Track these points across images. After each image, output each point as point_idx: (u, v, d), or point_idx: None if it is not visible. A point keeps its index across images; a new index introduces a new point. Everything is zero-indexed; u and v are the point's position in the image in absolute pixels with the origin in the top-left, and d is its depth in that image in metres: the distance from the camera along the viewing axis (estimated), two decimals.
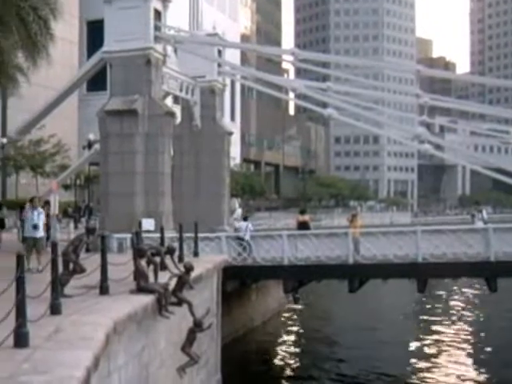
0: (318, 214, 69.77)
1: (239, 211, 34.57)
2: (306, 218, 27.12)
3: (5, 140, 31.23)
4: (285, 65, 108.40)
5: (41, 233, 16.73)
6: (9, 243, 24.08)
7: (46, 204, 23.19)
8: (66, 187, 45.97)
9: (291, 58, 28.77)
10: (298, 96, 29.79)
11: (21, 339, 7.37)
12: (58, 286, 9.56)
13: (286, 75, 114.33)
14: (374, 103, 34.88)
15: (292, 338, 28.61)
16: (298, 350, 26.14)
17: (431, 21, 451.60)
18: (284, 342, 27.81)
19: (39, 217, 16.44)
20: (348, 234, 22.17)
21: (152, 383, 11.40)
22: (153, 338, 11.60)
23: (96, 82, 41.01)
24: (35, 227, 16.15)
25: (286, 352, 25.75)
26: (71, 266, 11.69)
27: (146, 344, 11.13)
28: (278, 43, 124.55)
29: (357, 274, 22.36)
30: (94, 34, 48.13)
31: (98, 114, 26.11)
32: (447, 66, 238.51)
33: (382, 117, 35.65)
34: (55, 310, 9.26)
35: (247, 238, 22.96)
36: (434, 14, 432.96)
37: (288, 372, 22.71)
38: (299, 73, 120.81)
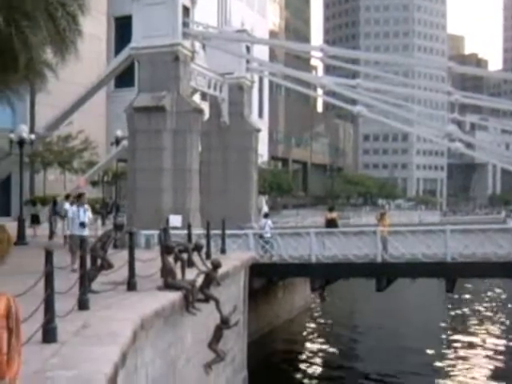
0: (346, 211, 69.40)
1: (266, 208, 34.47)
2: (334, 215, 27.02)
3: (33, 136, 31.41)
4: (313, 61, 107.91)
5: (87, 231, 16.03)
6: (42, 238, 24.45)
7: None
8: (94, 184, 46.19)
9: (320, 55, 28.59)
10: (327, 93, 29.66)
11: (49, 334, 7.43)
12: (86, 281, 9.59)
13: (314, 72, 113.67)
14: (403, 100, 34.55)
15: (318, 335, 28.45)
16: (323, 348, 25.99)
17: (463, 17, 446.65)
18: (310, 340, 27.69)
19: (85, 214, 16.00)
20: (376, 233, 21.95)
21: (178, 379, 11.40)
22: (180, 335, 11.60)
23: (124, 78, 41.23)
24: (82, 225, 15.71)
25: (312, 350, 25.63)
26: (99, 261, 11.76)
27: (173, 340, 11.14)
28: (306, 39, 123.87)
29: (385, 273, 22.17)
30: (122, 30, 48.34)
31: (126, 110, 26.21)
32: (479, 62, 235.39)
33: (411, 114, 35.21)
34: (83, 305, 9.31)
35: (268, 235, 22.88)
36: (465, 9, 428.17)
37: (314, 370, 22.59)
38: (328, 69, 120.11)
